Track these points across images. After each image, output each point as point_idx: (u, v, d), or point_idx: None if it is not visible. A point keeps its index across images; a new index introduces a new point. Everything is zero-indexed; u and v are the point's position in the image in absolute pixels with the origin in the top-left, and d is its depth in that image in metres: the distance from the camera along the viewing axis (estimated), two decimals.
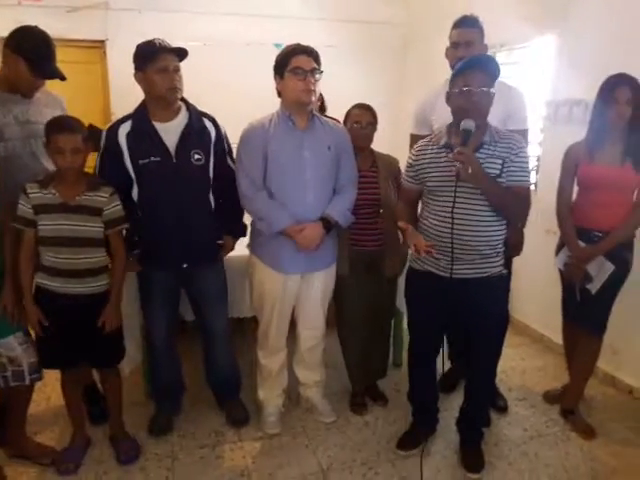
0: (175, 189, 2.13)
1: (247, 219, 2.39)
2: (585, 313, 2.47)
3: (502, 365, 3.04)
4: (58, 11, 4.17)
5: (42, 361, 2.09)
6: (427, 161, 2.06)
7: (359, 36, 4.84)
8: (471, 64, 1.93)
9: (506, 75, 3.77)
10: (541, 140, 3.42)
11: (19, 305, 2.01)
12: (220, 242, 2.34)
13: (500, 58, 3.84)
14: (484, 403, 2.28)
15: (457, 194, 1.94)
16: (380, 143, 2.57)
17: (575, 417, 2.56)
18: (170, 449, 2.32)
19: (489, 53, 3.75)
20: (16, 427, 2.22)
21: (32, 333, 2.11)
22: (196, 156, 2.16)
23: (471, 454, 2.26)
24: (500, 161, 1.97)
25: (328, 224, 2.21)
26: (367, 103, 2.49)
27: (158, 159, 2.10)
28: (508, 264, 2.59)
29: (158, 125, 2.12)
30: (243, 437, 2.42)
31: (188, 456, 2.29)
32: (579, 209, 2.43)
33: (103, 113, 4.44)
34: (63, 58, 4.28)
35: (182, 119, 2.17)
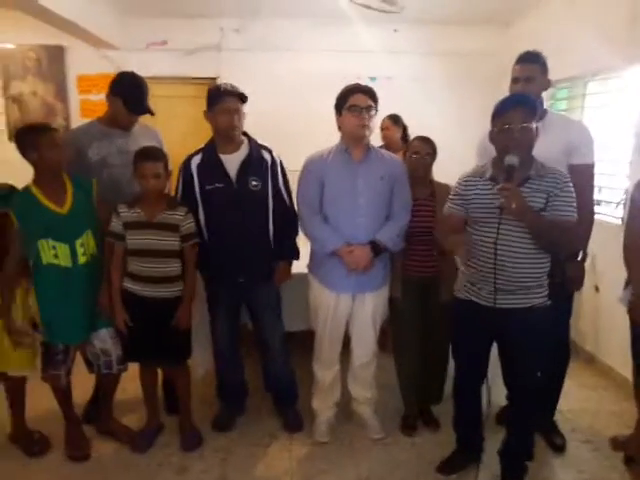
0: (235, 211, 2.42)
1: (301, 243, 2.62)
2: None
3: (570, 404, 2.97)
4: (178, 54, 4.81)
5: (124, 355, 2.46)
6: (474, 192, 2.13)
7: (452, 67, 4.94)
8: (510, 103, 2.01)
9: (599, 104, 3.70)
10: (629, 172, 3.27)
11: (111, 305, 2.39)
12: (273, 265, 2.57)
13: (593, 87, 3.75)
14: (525, 435, 2.24)
15: (501, 227, 2.00)
16: None
17: (637, 464, 2.42)
18: (228, 444, 2.59)
19: (583, 82, 3.71)
20: (105, 408, 2.63)
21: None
22: (254, 182, 2.44)
23: None
24: (545, 195, 2.00)
25: (377, 247, 2.37)
26: (427, 136, 2.61)
27: (221, 185, 2.42)
28: (569, 299, 2.55)
29: (223, 157, 2.45)
30: (294, 442, 2.62)
31: (242, 451, 2.53)
32: None
33: None
34: (181, 93, 5.01)
35: (243, 151, 2.48)
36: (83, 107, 4.90)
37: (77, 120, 4.71)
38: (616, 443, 2.64)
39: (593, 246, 3.36)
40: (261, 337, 2.67)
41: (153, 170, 2.29)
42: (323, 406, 2.66)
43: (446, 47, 4.93)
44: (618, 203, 3.39)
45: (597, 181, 3.63)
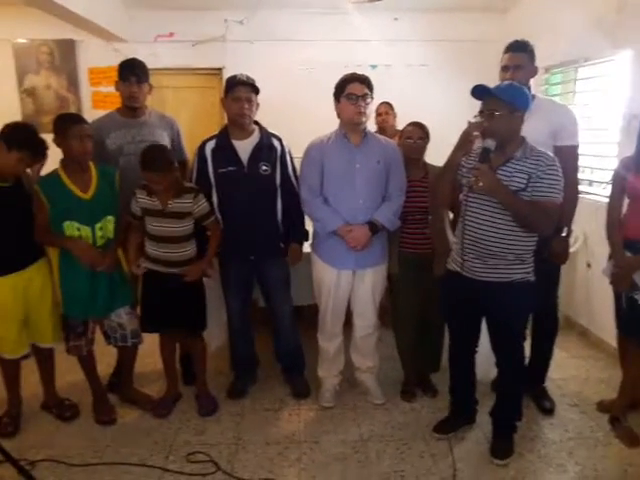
0: (246, 193, 2.62)
1: (309, 225, 2.81)
2: (633, 323, 2.52)
3: (562, 373, 3.16)
4: (185, 45, 4.98)
5: (145, 326, 2.68)
6: (464, 170, 2.31)
7: (450, 54, 5.06)
8: (483, 92, 2.16)
9: (589, 88, 3.84)
10: (617, 153, 3.42)
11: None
12: (282, 245, 2.76)
13: (583, 72, 3.89)
14: (512, 399, 2.42)
15: (469, 202, 2.23)
16: None
17: (621, 424, 2.61)
18: (241, 409, 2.81)
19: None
20: (126, 379, 2.86)
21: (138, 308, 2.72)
22: (263, 167, 2.63)
23: (500, 442, 2.43)
24: (526, 176, 2.14)
25: (374, 227, 2.55)
26: (420, 121, 2.76)
27: (233, 169, 2.61)
28: (556, 272, 2.73)
29: (235, 142, 2.64)
30: (302, 407, 2.84)
31: (254, 415, 2.76)
32: (627, 221, 2.51)
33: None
34: (189, 84, 5.20)
35: (255, 138, 2.67)
36: (94, 99, 5.09)
37: (89, 111, 4.90)
38: (602, 406, 2.83)
39: (585, 225, 3.54)
40: (272, 311, 2.88)
41: (154, 179, 2.43)
42: (328, 374, 2.87)
43: (444, 34, 5.06)
44: (607, 183, 3.55)
45: (589, 162, 3.79)
